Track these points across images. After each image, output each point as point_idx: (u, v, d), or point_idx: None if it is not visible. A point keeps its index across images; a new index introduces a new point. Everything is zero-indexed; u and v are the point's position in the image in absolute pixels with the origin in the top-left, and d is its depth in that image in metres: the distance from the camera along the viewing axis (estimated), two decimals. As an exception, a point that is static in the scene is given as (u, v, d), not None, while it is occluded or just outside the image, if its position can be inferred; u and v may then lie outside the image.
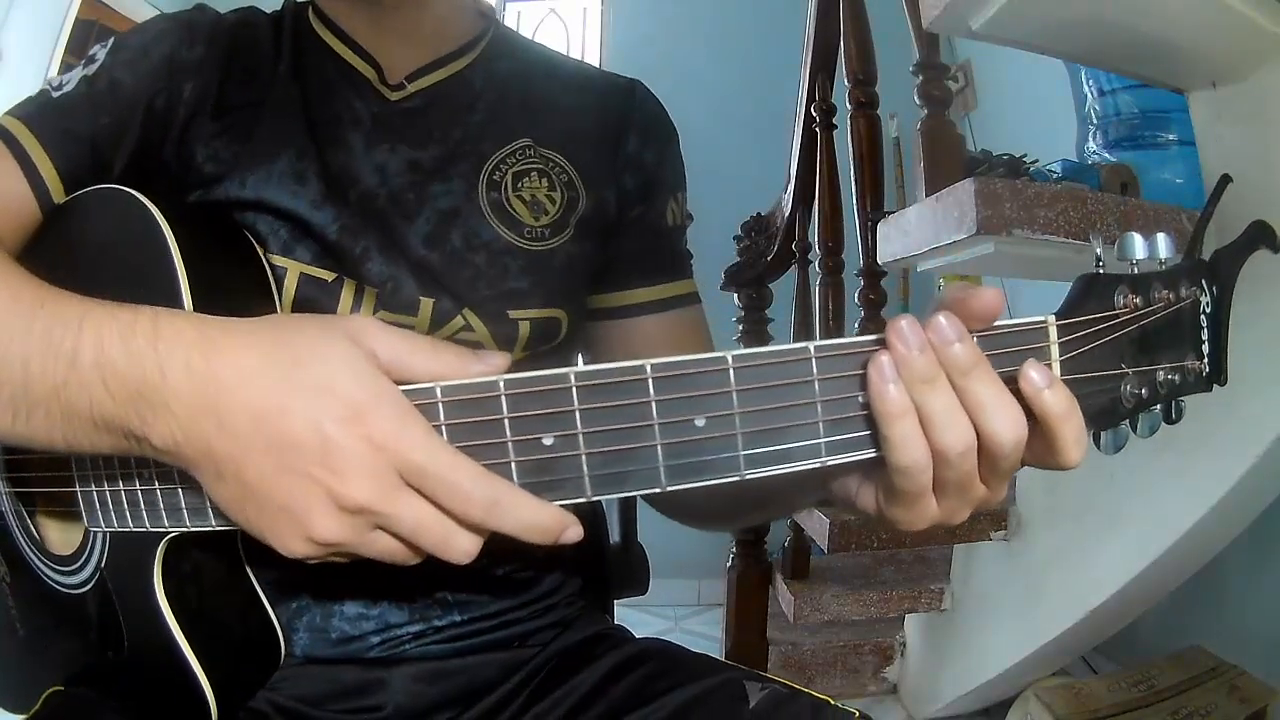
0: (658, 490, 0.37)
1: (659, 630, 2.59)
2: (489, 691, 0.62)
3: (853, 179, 1.70)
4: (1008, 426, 0.36)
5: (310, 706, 0.60)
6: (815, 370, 0.37)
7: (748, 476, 0.37)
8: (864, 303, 1.64)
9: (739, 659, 1.77)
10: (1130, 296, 0.38)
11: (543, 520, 0.38)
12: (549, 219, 0.63)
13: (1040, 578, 1.51)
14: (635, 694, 0.58)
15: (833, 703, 0.55)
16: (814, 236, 1.90)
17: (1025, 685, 1.52)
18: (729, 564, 1.89)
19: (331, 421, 0.36)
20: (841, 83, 1.77)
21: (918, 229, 1.24)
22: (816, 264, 1.85)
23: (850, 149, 1.71)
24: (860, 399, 0.37)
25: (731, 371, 0.36)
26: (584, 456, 0.37)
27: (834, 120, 1.86)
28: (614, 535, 0.90)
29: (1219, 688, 1.37)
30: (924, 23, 1.17)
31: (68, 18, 2.43)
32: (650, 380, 0.36)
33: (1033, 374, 0.36)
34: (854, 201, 1.69)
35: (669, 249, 0.71)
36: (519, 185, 0.63)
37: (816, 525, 1.57)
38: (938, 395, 0.36)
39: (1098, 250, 0.40)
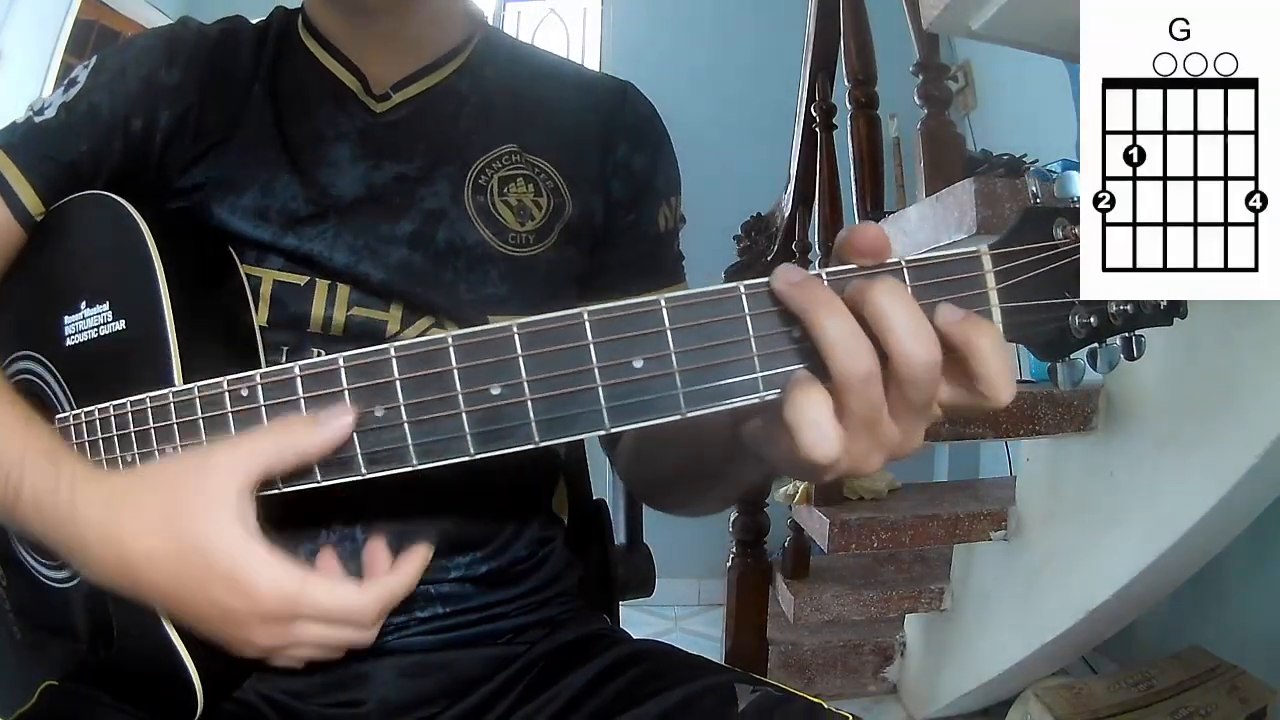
0: (602, 432, 0.39)
1: (659, 630, 2.59)
2: (475, 687, 0.62)
3: (853, 179, 1.69)
4: (920, 346, 0.35)
5: (295, 699, 0.60)
6: (746, 307, 0.38)
7: (689, 415, 0.38)
8: (864, 303, 1.64)
9: (739, 659, 1.77)
10: (1070, 227, 0.38)
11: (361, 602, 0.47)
12: (534, 224, 0.63)
13: (1040, 578, 1.51)
14: (622, 697, 0.57)
15: (827, 706, 0.54)
16: (814, 236, 1.90)
17: (1025, 685, 1.51)
18: (729, 564, 1.88)
19: (221, 595, 0.43)
20: (841, 83, 1.77)
21: (918, 229, 1.24)
22: (816, 264, 1.85)
23: (850, 149, 1.71)
24: (794, 333, 0.38)
25: (665, 312, 0.38)
26: (530, 403, 0.39)
27: (834, 120, 1.86)
28: (619, 536, 0.89)
29: (1219, 688, 1.37)
30: (924, 23, 1.17)
31: (68, 18, 2.44)
32: (588, 324, 0.38)
33: (944, 308, 0.36)
34: (854, 201, 1.69)
35: (662, 256, 0.70)
36: (505, 190, 0.63)
37: (816, 525, 1.57)
38: (835, 320, 0.36)
39: (1033, 188, 0.40)
